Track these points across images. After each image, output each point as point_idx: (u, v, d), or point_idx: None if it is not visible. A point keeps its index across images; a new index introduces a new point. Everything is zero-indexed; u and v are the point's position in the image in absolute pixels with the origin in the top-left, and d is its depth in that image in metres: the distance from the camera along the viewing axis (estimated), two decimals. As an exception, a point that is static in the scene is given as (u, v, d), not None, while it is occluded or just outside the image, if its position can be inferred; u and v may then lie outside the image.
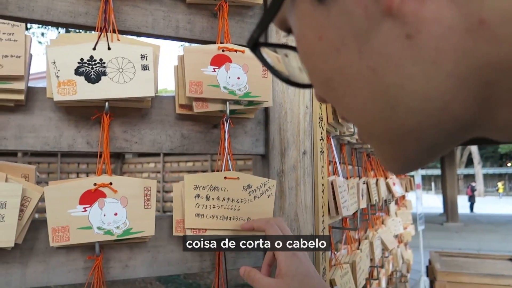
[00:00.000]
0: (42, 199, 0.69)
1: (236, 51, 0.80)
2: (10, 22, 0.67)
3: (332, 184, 1.05)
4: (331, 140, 1.14)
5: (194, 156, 8.05)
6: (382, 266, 2.05)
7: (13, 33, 0.67)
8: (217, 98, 0.79)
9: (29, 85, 0.73)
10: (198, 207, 0.75)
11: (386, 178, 2.29)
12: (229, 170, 0.80)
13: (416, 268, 5.22)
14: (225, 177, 0.78)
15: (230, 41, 0.84)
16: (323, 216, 0.97)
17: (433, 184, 36.17)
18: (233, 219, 0.77)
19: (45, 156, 8.44)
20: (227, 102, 0.80)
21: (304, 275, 0.64)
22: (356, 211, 1.52)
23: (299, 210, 0.92)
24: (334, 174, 1.15)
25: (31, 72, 0.75)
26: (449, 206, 10.91)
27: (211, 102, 0.80)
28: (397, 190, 2.34)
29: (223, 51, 0.79)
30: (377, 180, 1.88)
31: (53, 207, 0.66)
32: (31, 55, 0.72)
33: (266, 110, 0.92)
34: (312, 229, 0.94)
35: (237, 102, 0.82)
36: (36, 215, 0.72)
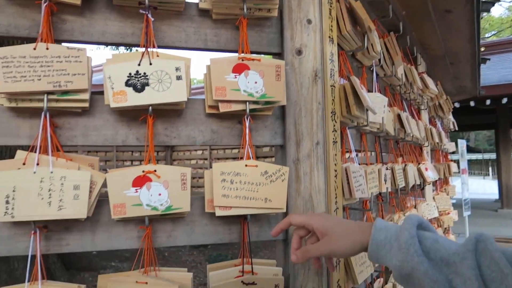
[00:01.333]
0: (104, 183, 0.89)
1: (253, 59, 0.96)
2: (76, 47, 0.88)
3: (346, 170, 1.18)
4: (347, 130, 1.27)
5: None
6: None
7: (78, 56, 0.87)
8: (239, 100, 0.96)
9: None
10: (224, 189, 0.93)
11: (418, 163, 2.36)
12: (250, 159, 0.97)
13: (462, 254, 5.14)
14: (246, 165, 0.95)
15: (249, 51, 1.00)
16: (336, 197, 1.12)
17: (490, 169, 34.17)
18: (253, 199, 0.94)
19: (103, 146, 9.15)
20: (247, 103, 0.96)
21: (340, 222, 0.82)
22: (380, 194, 1.64)
23: (313, 193, 1.07)
24: (350, 162, 1.28)
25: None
26: (504, 191, 10.40)
27: (234, 103, 0.96)
28: (429, 175, 2.39)
29: (242, 60, 0.95)
30: (405, 165, 1.96)
31: (113, 189, 0.86)
32: (92, 72, 0.92)
33: (283, 106, 1.08)
34: (325, 208, 1.09)
35: (255, 102, 0.98)
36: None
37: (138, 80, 0.89)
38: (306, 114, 1.07)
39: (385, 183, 1.60)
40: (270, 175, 0.96)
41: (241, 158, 0.99)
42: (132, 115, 0.96)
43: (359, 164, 1.36)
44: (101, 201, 0.94)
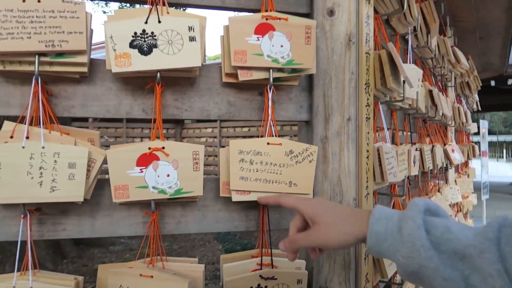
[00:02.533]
0: (106, 161, 0.77)
1: (279, 19, 0.82)
2: (73, 0, 0.74)
3: (378, 150, 1.05)
4: (379, 106, 1.13)
5: (249, 121, 8.17)
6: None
7: (75, 11, 0.73)
8: (261, 67, 0.82)
9: (93, 55, 0.81)
10: (243, 170, 0.80)
11: (444, 144, 2.20)
12: (272, 136, 0.84)
13: (478, 238, 5.02)
14: (268, 143, 0.81)
15: (274, 9, 0.85)
16: (367, 181, 0.99)
17: (504, 151, 33.57)
18: (275, 182, 0.82)
19: (112, 121, 9.05)
20: (271, 70, 0.83)
21: (332, 209, 0.70)
22: (407, 178, 1.50)
23: (342, 175, 0.94)
24: (382, 141, 1.14)
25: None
26: (521, 175, 10.15)
27: (255, 70, 0.82)
28: (456, 157, 2.24)
29: (266, 19, 0.81)
30: (433, 146, 1.82)
31: (114, 168, 0.74)
32: (91, 31, 0.79)
33: (310, 76, 0.94)
34: (355, 194, 0.96)
35: (280, 70, 0.84)
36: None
37: (144, 41, 0.75)
38: (337, 85, 0.93)
39: (414, 165, 1.46)
40: (296, 155, 0.83)
41: (261, 136, 0.86)
42: (138, 83, 0.83)
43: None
44: (102, 181, 0.82)
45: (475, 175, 3.79)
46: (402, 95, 1.13)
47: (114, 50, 0.74)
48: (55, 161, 0.71)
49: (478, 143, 4.41)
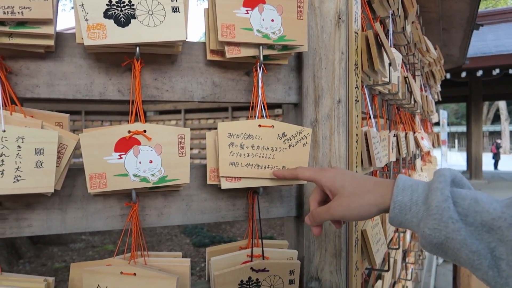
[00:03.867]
0: (78, 147, 0.68)
1: (269, -9, 0.75)
2: (35, -38, 0.64)
3: (365, 134, 1.01)
4: (365, 89, 1.09)
5: (214, 113, 8.05)
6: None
7: (38, -26, 0.64)
8: (250, 43, 0.75)
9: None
10: (233, 155, 0.73)
11: (414, 132, 2.23)
12: (263, 118, 0.78)
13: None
14: (260, 125, 0.75)
15: (263, -19, 0.79)
16: (356, 167, 0.95)
17: (456, 141, 35.43)
18: (268, 167, 0.76)
19: (70, 114, 8.60)
20: (261, 47, 0.76)
21: (353, 179, 0.66)
22: (386, 164, 1.49)
23: (333, 160, 0.90)
24: (367, 125, 1.11)
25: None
26: (473, 163, 10.70)
27: (244, 47, 0.76)
28: (425, 144, 2.28)
29: (256, -9, 0.74)
30: (406, 133, 1.82)
31: (89, 154, 0.65)
32: (58, -2, 0.69)
33: (300, 56, 0.88)
34: (345, 179, 0.92)
35: (270, 46, 0.78)
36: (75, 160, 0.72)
37: (121, 11, 0.66)
38: (327, 66, 0.88)
39: (393, 152, 1.45)
40: (289, 138, 0.77)
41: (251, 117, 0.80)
42: (112, 60, 0.75)
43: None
44: (74, 170, 0.73)
45: (437, 163, 3.92)
46: (387, 78, 1.10)
47: (86, 20, 0.65)
48: (19, 147, 0.61)
49: (438, 133, 4.56)
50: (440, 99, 4.29)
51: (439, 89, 3.81)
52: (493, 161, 17.54)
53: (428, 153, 3.79)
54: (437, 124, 5.09)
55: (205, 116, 8.28)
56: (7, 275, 0.66)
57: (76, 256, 4.38)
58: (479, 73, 8.62)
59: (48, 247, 4.62)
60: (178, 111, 8.61)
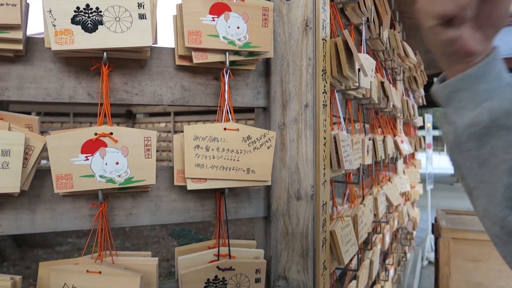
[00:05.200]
0: (46, 149, 0.70)
1: (235, -1, 0.78)
2: (4, -31, 0.66)
3: (334, 138, 1.05)
4: (335, 94, 1.13)
5: (204, 115, 8.06)
6: (386, 222, 2.08)
7: (7, -19, 0.66)
8: (217, 49, 0.78)
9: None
10: (198, 157, 0.76)
11: (394, 135, 2.28)
12: (229, 121, 0.81)
13: (423, 226, 5.30)
14: (225, 128, 0.78)
15: (230, -11, 0.82)
16: (324, 169, 0.98)
17: (445, 145, 35.78)
18: (233, 169, 0.78)
19: (59, 116, 8.54)
20: (227, 53, 0.79)
21: None
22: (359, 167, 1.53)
23: (300, 163, 0.93)
24: (338, 129, 1.15)
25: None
26: (460, 166, 10.83)
27: (211, 53, 0.79)
28: (405, 148, 2.33)
29: (222, -1, 0.77)
30: (384, 137, 1.86)
31: (56, 156, 0.67)
32: (28, 4, 0.71)
33: (268, 61, 0.91)
34: (313, 181, 0.95)
35: (237, 53, 0.81)
36: (44, 161, 0.74)
37: (88, 17, 0.69)
38: (294, 71, 0.91)
39: (368, 155, 1.49)
40: (254, 141, 0.80)
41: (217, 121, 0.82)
42: (82, 64, 0.77)
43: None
44: (43, 172, 0.75)
45: (421, 166, 3.98)
46: (357, 83, 1.13)
47: (54, 26, 0.67)
48: (-14, 148, 0.63)
49: (423, 137, 4.63)
50: (425, 103, 4.36)
51: (423, 93, 3.87)
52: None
53: (412, 156, 3.85)
54: (422, 128, 5.16)
55: (195, 119, 8.29)
56: (-26, 273, 0.68)
57: (62, 259, 4.35)
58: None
59: (33, 249, 4.58)
60: (167, 114, 8.61)
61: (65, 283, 0.71)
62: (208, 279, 0.80)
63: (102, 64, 0.73)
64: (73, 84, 0.77)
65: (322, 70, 0.96)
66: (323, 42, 0.96)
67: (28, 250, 4.52)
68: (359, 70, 1.10)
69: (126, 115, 9.05)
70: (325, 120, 0.98)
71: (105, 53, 0.71)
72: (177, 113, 8.49)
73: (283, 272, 0.92)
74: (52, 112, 8.41)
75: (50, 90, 0.76)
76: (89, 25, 0.69)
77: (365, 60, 1.27)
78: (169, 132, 8.74)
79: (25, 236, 4.62)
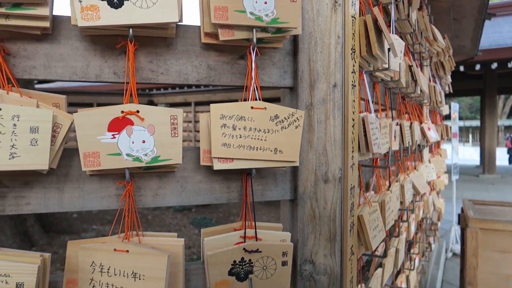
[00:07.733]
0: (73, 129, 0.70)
1: (263, -27, 0.75)
2: None
3: (363, 120, 1.01)
4: (364, 75, 1.09)
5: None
6: (412, 211, 2.03)
7: (33, -44, 0.65)
8: (243, 25, 0.76)
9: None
10: (225, 136, 0.74)
11: (421, 122, 2.21)
12: (256, 100, 0.79)
13: (447, 218, 5.18)
14: (252, 107, 0.76)
15: (257, -37, 0.79)
16: (352, 151, 0.95)
17: (470, 136, 34.87)
18: (260, 149, 0.77)
19: (82, 106, 8.71)
20: (254, 29, 0.77)
21: None
22: (387, 152, 1.49)
23: (328, 145, 0.90)
24: (366, 111, 1.11)
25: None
26: (487, 157, 10.54)
27: (237, 30, 0.76)
28: (432, 135, 2.25)
29: (249, -27, 0.75)
30: (411, 123, 1.81)
31: (83, 133, 0.67)
32: (54, -20, 0.70)
33: (295, 40, 0.88)
34: (341, 164, 0.92)
35: (264, 29, 0.78)
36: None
37: (113, -8, 0.67)
38: (322, 50, 0.88)
39: (395, 140, 1.44)
40: (281, 120, 0.78)
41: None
42: (108, 43, 0.76)
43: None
44: (70, 151, 0.75)
45: (447, 156, 3.87)
46: (387, 64, 1.09)
47: (80, 1, 0.66)
48: (15, 125, 0.63)
49: (449, 127, 4.50)
50: (451, 91, 4.22)
51: (450, 80, 3.75)
52: (507, 156, 17.22)
53: (437, 145, 3.74)
54: (448, 117, 5.01)
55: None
56: (5, 250, 0.68)
57: (87, 245, 4.45)
58: (494, 65, 8.44)
59: (59, 235, 4.71)
60: (188, 103, 8.66)
61: (93, 261, 0.71)
62: (234, 261, 0.79)
63: (128, 41, 0.72)
64: (99, 62, 0.76)
65: (351, 49, 0.92)
66: (353, 20, 0.93)
67: (55, 236, 4.66)
68: (388, 50, 1.06)
69: (144, 101, 9.16)
70: (353, 101, 0.95)
71: (131, 30, 0.70)
72: (197, 103, 8.53)
73: (310, 256, 0.90)
74: (75, 102, 8.60)
75: (77, 68, 0.75)
76: (115, 0, 0.67)
77: (394, 41, 1.22)
78: (190, 122, 8.80)
79: (52, 222, 4.75)
